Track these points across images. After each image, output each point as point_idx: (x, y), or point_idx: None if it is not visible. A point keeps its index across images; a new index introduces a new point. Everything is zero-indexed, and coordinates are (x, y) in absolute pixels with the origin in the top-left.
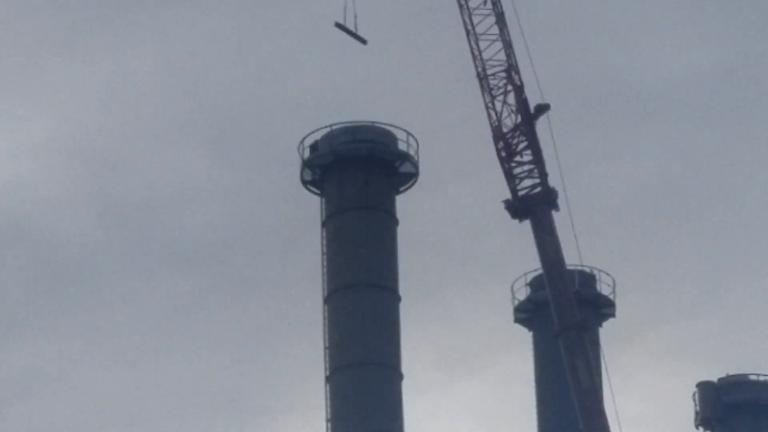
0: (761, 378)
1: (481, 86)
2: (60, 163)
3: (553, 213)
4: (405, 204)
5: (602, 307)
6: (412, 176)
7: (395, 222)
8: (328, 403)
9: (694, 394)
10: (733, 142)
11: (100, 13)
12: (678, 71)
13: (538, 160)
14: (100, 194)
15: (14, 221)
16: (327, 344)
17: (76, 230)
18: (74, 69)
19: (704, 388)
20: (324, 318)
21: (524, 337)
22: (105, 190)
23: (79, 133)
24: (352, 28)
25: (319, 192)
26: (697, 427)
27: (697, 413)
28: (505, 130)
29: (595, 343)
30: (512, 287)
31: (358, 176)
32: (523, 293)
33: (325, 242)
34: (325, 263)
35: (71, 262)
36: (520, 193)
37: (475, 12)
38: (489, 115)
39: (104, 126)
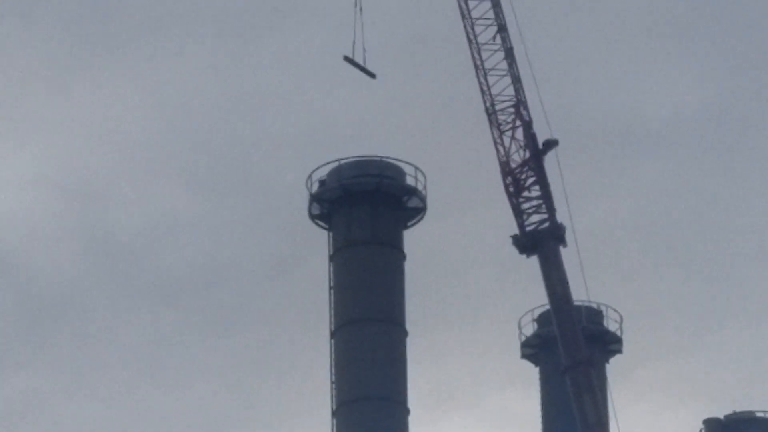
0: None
1: (490, 121)
2: (50, 196)
3: (561, 248)
4: (413, 238)
5: (609, 343)
6: (419, 211)
7: (403, 256)
8: None
9: (700, 431)
10: (738, 179)
11: (92, 47)
12: (681, 108)
13: (546, 196)
14: (95, 228)
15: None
16: (333, 378)
17: (64, 264)
18: (65, 103)
19: (711, 424)
20: (330, 352)
21: (531, 372)
22: (100, 225)
23: (71, 168)
24: (361, 62)
25: (327, 226)
26: None
27: None
28: (513, 165)
29: (602, 379)
30: (519, 323)
31: (366, 210)
32: (530, 329)
33: (332, 276)
34: (332, 297)
35: (60, 295)
36: (528, 228)
37: (484, 47)
38: (497, 150)
39: (98, 161)
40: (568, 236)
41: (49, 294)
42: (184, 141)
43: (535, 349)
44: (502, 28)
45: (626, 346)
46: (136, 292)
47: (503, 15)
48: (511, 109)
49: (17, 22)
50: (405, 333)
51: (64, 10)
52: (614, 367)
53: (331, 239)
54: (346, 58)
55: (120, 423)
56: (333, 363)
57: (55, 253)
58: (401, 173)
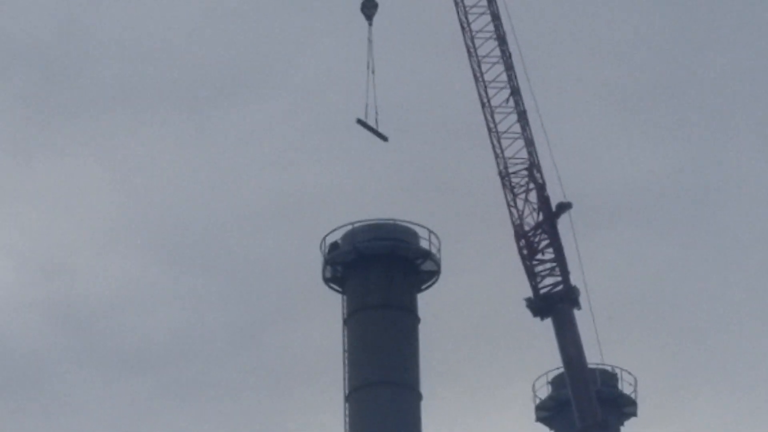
0: None
1: (503, 184)
2: (16, 269)
3: (575, 311)
4: (426, 302)
5: (624, 406)
6: (433, 274)
7: (417, 320)
8: None
9: None
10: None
11: (57, 118)
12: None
13: (560, 259)
14: (68, 298)
15: None
16: None
17: (34, 336)
18: (29, 175)
19: None
20: (345, 416)
21: None
22: (71, 296)
23: (38, 240)
24: (373, 124)
25: (340, 290)
26: None
27: None
28: (526, 228)
29: None
30: (534, 386)
31: (380, 274)
32: (544, 392)
33: (346, 340)
34: (346, 361)
35: (30, 368)
36: (542, 291)
37: (497, 110)
38: (511, 213)
39: (77, 231)
40: (582, 299)
41: (18, 367)
42: (189, 210)
43: (549, 412)
44: (515, 91)
45: (641, 409)
46: (118, 362)
47: (516, 78)
48: (525, 172)
49: None
50: (419, 396)
51: (27, 80)
52: (629, 431)
53: (345, 303)
54: (359, 121)
55: None
56: (347, 427)
57: (24, 325)
58: (415, 236)
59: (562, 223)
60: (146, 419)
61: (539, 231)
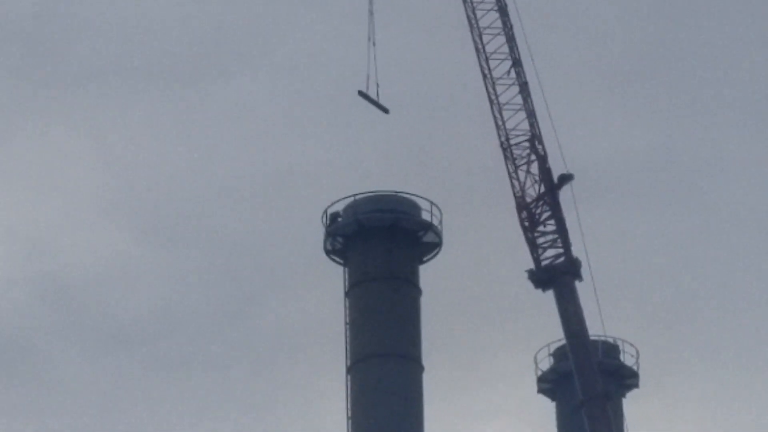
0: None
1: (505, 156)
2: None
3: (577, 283)
4: (428, 274)
5: (626, 378)
6: (435, 246)
7: (418, 292)
8: None
9: None
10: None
11: (40, 93)
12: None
13: (562, 230)
14: (53, 275)
15: None
16: (350, 414)
17: (19, 312)
18: (10, 151)
19: None
20: (347, 388)
21: (547, 407)
22: (57, 271)
23: (25, 215)
24: (374, 96)
25: (342, 261)
26: None
27: None
28: (528, 199)
29: (619, 414)
30: (535, 357)
31: (382, 246)
32: (546, 363)
33: (348, 312)
34: (348, 333)
35: (16, 345)
36: (544, 263)
37: (499, 81)
38: (512, 185)
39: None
40: (584, 270)
41: (4, 343)
42: (187, 184)
43: (551, 383)
44: (516, 63)
45: (643, 380)
46: (107, 337)
47: (518, 50)
48: (526, 144)
49: None
50: (421, 368)
51: (7, 55)
52: (631, 402)
53: (346, 275)
54: (361, 93)
55: None
56: (349, 398)
57: (10, 301)
58: (417, 208)
59: (564, 195)
60: (138, 395)
61: (541, 203)
